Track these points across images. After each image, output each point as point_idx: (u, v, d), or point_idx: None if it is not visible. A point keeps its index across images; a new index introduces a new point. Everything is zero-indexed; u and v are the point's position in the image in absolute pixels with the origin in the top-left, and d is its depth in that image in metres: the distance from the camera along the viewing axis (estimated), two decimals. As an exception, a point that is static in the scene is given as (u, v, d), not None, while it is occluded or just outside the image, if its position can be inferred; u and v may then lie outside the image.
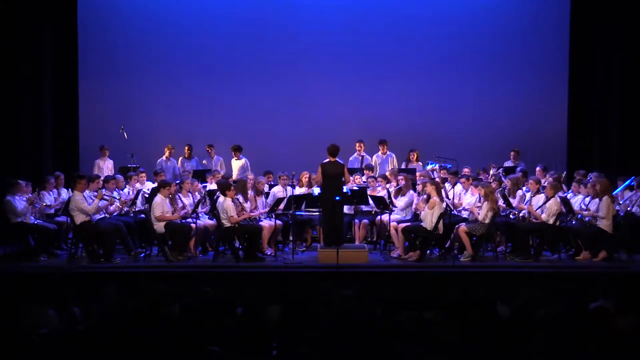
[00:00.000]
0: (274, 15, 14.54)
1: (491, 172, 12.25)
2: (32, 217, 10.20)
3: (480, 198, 10.19)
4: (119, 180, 11.07)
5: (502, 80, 14.56)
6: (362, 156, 13.23)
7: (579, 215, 10.29)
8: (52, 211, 10.81)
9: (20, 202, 10.08)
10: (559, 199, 10.18)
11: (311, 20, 14.57)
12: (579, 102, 14.24)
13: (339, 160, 10.29)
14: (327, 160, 10.24)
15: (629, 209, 10.68)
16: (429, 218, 9.91)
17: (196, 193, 10.94)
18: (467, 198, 10.76)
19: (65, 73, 13.89)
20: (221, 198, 10.12)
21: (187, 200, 10.57)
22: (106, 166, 13.06)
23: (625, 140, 13.35)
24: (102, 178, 10.87)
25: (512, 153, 13.39)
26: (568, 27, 14.23)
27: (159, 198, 10.04)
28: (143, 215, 10.68)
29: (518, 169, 12.20)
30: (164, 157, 13.30)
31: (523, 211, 10.37)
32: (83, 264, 9.88)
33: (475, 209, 10.12)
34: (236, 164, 13.44)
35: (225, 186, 10.20)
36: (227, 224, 9.99)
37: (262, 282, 9.16)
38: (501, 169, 12.38)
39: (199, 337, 5.36)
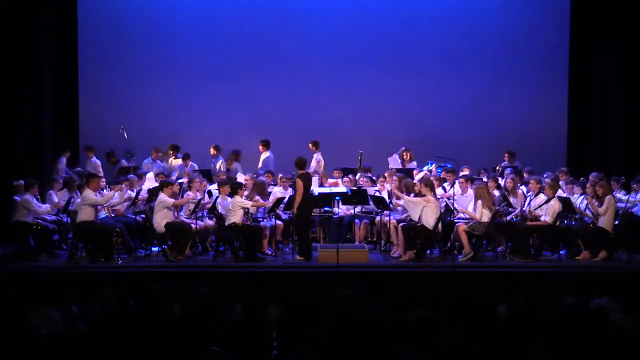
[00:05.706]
0: (273, 17, 14.52)
1: (503, 172, 12.26)
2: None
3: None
4: (133, 180, 11.05)
5: (502, 81, 14.55)
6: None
7: (586, 215, 10.29)
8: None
9: (36, 201, 10.31)
10: (558, 199, 10.18)
11: (310, 21, 14.56)
12: (579, 103, 14.24)
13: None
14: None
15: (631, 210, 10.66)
16: (417, 211, 9.90)
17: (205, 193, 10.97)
18: (464, 200, 10.74)
19: (65, 73, 13.88)
20: (226, 198, 10.16)
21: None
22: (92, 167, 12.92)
23: (625, 141, 13.33)
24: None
25: (506, 155, 13.32)
26: (568, 27, 14.23)
27: (163, 195, 10.07)
28: (143, 215, 10.69)
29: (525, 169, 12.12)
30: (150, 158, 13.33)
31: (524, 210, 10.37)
32: (83, 264, 9.89)
33: (471, 212, 10.13)
34: (176, 163, 13.32)
35: (235, 185, 10.28)
36: (233, 219, 9.99)
37: (262, 282, 9.16)
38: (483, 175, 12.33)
39: (199, 337, 5.36)
